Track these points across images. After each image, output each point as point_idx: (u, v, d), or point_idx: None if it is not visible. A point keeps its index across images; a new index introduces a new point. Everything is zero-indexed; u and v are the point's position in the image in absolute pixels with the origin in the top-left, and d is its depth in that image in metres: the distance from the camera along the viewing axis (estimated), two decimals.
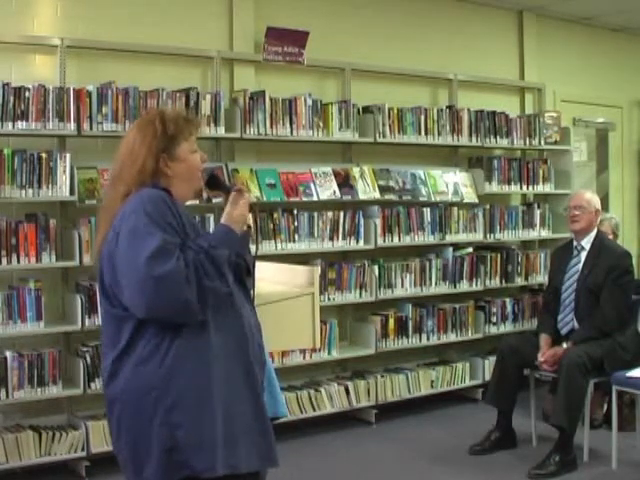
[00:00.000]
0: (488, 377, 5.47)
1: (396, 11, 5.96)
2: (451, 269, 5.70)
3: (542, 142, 6.33)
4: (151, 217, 2.19)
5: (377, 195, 5.38)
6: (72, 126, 4.29)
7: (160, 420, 2.19)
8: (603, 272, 4.68)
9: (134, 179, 2.30)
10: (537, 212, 6.26)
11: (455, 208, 5.75)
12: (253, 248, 2.52)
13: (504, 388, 4.73)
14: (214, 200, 4.44)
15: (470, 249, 5.92)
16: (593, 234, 4.85)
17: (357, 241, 5.28)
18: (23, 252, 4.16)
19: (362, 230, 5.29)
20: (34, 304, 4.19)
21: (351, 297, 5.29)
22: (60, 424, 4.43)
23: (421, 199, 5.60)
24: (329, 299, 5.16)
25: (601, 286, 4.67)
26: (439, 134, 5.71)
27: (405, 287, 5.49)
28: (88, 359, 4.34)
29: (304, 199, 5.09)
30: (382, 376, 5.41)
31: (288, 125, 5.02)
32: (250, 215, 2.42)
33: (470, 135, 5.86)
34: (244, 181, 4.82)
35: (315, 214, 5.10)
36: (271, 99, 4.96)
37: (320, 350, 5.12)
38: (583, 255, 4.83)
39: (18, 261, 4.16)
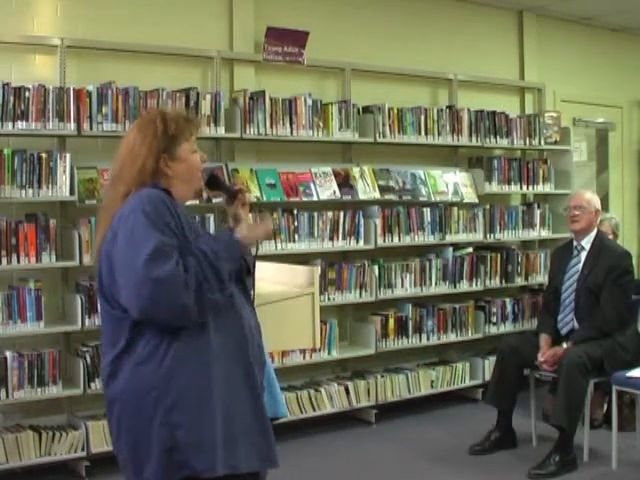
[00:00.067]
0: (488, 377, 5.46)
1: (396, 11, 5.96)
2: (451, 269, 5.70)
3: (542, 142, 6.32)
4: (149, 218, 2.19)
5: (377, 195, 5.37)
6: (72, 126, 4.28)
7: (160, 420, 2.19)
8: (603, 272, 4.68)
9: (134, 179, 2.30)
10: (537, 212, 6.25)
11: (455, 208, 5.75)
12: (253, 248, 2.52)
13: (504, 388, 4.73)
14: (214, 200, 4.45)
15: (470, 249, 5.92)
16: (593, 234, 4.85)
17: (357, 241, 5.28)
18: (23, 252, 4.16)
19: (362, 230, 5.28)
20: (34, 304, 4.19)
21: (351, 297, 5.29)
22: (60, 424, 4.43)
23: (421, 199, 5.60)
24: (329, 299, 5.16)
25: (601, 286, 4.67)
26: (439, 134, 5.70)
27: (405, 287, 5.49)
28: (88, 359, 4.34)
29: (304, 199, 5.09)
30: (382, 376, 5.40)
31: (288, 125, 5.02)
32: (250, 215, 2.42)
33: (470, 135, 5.86)
34: (244, 181, 4.82)
35: (315, 214, 5.10)
36: (271, 99, 4.96)
37: (320, 350, 5.11)
38: (583, 255, 4.82)
39: (18, 261, 4.16)
